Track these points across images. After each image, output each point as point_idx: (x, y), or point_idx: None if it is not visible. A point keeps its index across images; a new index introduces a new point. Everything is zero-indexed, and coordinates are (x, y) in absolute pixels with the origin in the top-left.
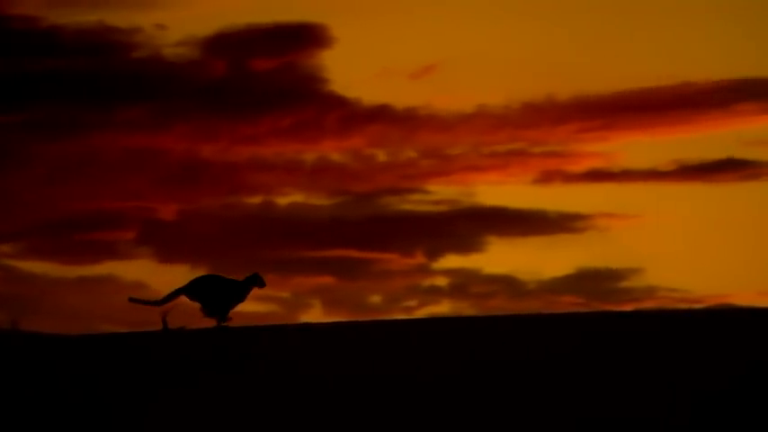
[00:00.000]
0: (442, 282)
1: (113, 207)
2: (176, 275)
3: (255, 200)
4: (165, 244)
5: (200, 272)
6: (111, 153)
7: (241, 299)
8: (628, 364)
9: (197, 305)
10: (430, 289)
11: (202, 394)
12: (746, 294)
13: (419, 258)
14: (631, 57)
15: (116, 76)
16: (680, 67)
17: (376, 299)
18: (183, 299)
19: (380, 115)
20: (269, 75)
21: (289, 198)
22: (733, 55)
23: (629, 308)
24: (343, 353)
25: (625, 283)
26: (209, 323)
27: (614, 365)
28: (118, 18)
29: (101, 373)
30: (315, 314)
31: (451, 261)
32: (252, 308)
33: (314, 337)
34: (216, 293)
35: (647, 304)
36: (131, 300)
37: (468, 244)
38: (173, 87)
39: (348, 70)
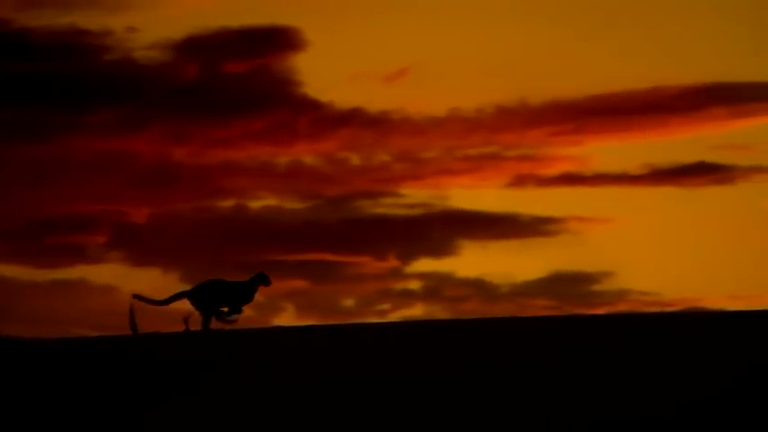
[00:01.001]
0: (415, 285)
1: (85, 210)
2: (148, 279)
3: (228, 203)
4: (137, 248)
5: (172, 276)
6: (82, 156)
7: (248, 299)
8: (601, 367)
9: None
10: (403, 292)
11: (182, 398)
12: (717, 298)
13: (392, 262)
14: (603, 61)
15: (87, 79)
16: (652, 71)
17: (349, 302)
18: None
19: (353, 119)
20: (241, 78)
21: (262, 201)
22: (704, 59)
23: (601, 311)
24: (316, 357)
25: (597, 287)
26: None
27: (587, 369)
28: (89, 21)
29: (75, 377)
30: (288, 318)
31: (424, 265)
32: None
33: (286, 340)
34: (218, 300)
35: (620, 307)
36: (135, 297)
37: (441, 247)
38: (144, 90)
39: (321, 73)
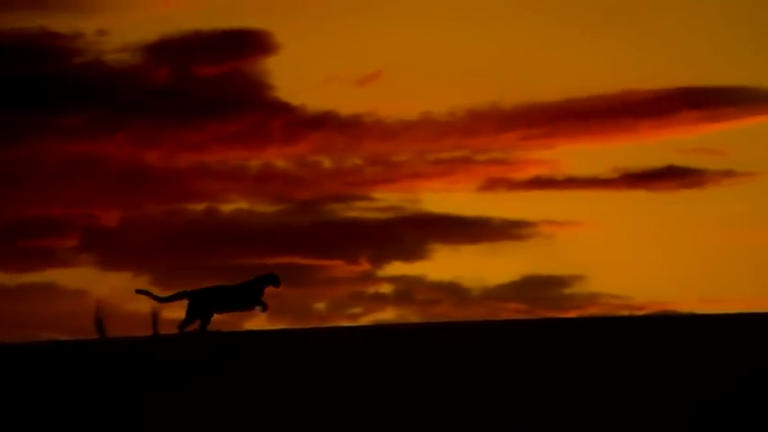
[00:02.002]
0: (386, 289)
1: (55, 214)
2: (119, 283)
3: (199, 207)
4: (108, 251)
5: (143, 280)
6: (52, 159)
7: (253, 299)
8: (572, 369)
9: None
10: (375, 296)
11: (153, 400)
12: (688, 301)
13: (364, 265)
14: (574, 65)
15: (58, 82)
16: (622, 75)
17: (321, 306)
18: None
19: (325, 122)
20: (213, 81)
21: (233, 205)
22: (674, 64)
23: (572, 314)
24: (288, 361)
25: (569, 290)
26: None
27: (559, 371)
28: (59, 23)
29: (45, 381)
30: (259, 321)
31: (396, 268)
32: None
33: (258, 344)
34: (215, 307)
35: (591, 311)
36: (138, 291)
37: (412, 251)
38: (115, 93)
39: (293, 77)
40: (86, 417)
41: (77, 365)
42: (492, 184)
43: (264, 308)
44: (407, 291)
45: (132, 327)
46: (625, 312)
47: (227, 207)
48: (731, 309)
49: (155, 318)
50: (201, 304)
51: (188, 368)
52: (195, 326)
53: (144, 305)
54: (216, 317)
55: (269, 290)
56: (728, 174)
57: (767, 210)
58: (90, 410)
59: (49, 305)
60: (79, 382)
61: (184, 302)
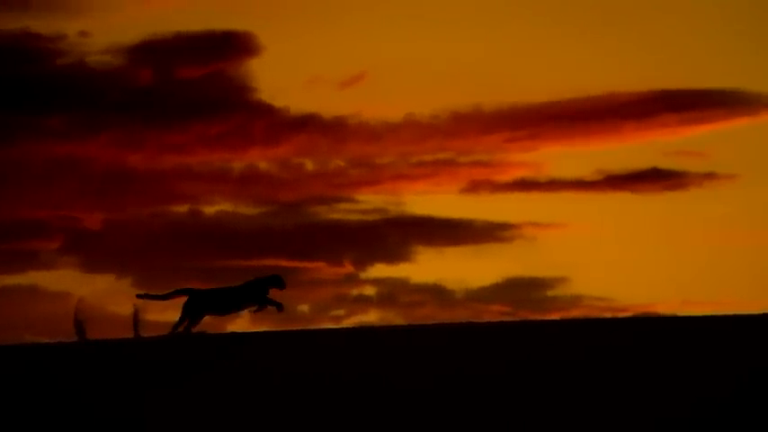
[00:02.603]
0: (370, 291)
1: (37, 216)
2: (101, 285)
3: (182, 209)
4: (90, 254)
5: (125, 282)
6: (35, 161)
7: (255, 300)
8: (555, 371)
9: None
10: (358, 298)
11: (134, 402)
12: (670, 303)
13: (347, 268)
14: (557, 68)
15: (40, 84)
16: (605, 78)
17: (304, 308)
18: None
19: (309, 124)
20: (196, 83)
21: (216, 207)
22: (657, 67)
23: (555, 316)
24: (271, 362)
25: (552, 292)
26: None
27: (541, 373)
28: (42, 25)
29: (28, 383)
30: (242, 324)
31: (380, 270)
32: (173, 317)
33: (242, 345)
34: (209, 309)
35: (574, 313)
36: (139, 296)
37: (396, 253)
38: (98, 95)
39: (276, 79)
40: (67, 418)
41: (59, 368)
42: (475, 187)
43: (280, 308)
44: (391, 293)
45: (114, 329)
46: (608, 314)
47: (211, 209)
48: (714, 310)
49: (136, 320)
50: (198, 304)
51: (171, 370)
52: (183, 326)
53: (125, 307)
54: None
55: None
56: (710, 176)
57: (748, 211)
58: (71, 412)
59: (32, 307)
60: (60, 383)
61: (181, 302)
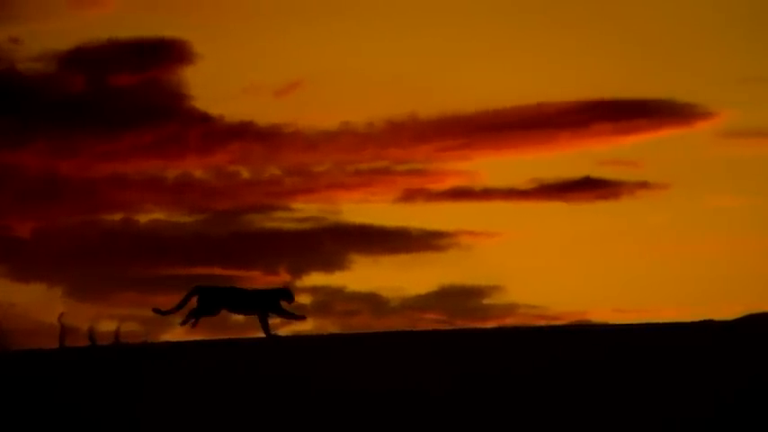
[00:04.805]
0: (305, 300)
1: None
2: (31, 294)
3: (116, 217)
4: (21, 262)
5: (56, 291)
6: None
7: (264, 307)
8: (489, 379)
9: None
10: (293, 307)
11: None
12: (603, 311)
13: (283, 276)
14: (492, 77)
15: None
16: (539, 87)
17: (239, 317)
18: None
19: (244, 132)
20: (130, 91)
21: (150, 215)
22: (590, 76)
23: (490, 325)
24: (204, 372)
25: (487, 300)
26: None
27: (476, 382)
28: None
29: None
30: (177, 333)
31: (315, 279)
32: (109, 326)
33: (175, 355)
34: (222, 304)
35: (508, 321)
36: (155, 311)
37: (332, 262)
38: (29, 102)
39: (211, 87)
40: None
41: None
42: (411, 195)
43: (303, 318)
44: (326, 301)
45: (43, 339)
46: (542, 322)
47: (145, 217)
48: (645, 318)
49: (62, 330)
50: (212, 299)
51: (94, 381)
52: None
53: (54, 317)
54: (129, 328)
55: (176, 301)
56: (643, 185)
57: (680, 221)
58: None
59: None
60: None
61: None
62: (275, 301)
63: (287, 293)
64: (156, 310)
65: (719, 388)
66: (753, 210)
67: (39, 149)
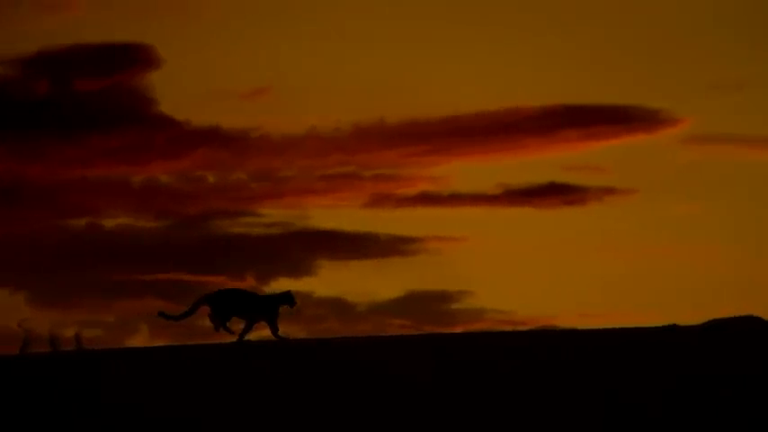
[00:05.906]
0: None
1: None
2: None
3: (81, 222)
4: None
5: (20, 297)
6: None
7: (266, 314)
8: (456, 384)
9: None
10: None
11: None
12: (569, 316)
13: (250, 281)
14: (459, 82)
15: None
16: (506, 92)
17: (205, 323)
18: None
19: (210, 137)
20: (95, 95)
21: (116, 220)
22: (557, 82)
23: (458, 330)
24: (170, 377)
25: (455, 305)
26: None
27: (443, 387)
28: None
29: None
30: (141, 339)
31: (283, 284)
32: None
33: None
34: (234, 310)
35: (476, 326)
36: (160, 315)
37: (299, 267)
38: None
39: (177, 91)
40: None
41: None
42: (378, 200)
43: (288, 340)
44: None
45: (5, 345)
46: (509, 327)
47: (110, 222)
48: (611, 323)
49: (26, 336)
50: (224, 307)
51: (57, 388)
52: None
53: (14, 322)
54: (92, 334)
55: (141, 306)
56: (609, 191)
57: (646, 226)
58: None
59: None
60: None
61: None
62: (276, 309)
63: (289, 298)
64: (162, 314)
65: (684, 392)
66: (718, 215)
67: (2, 154)
